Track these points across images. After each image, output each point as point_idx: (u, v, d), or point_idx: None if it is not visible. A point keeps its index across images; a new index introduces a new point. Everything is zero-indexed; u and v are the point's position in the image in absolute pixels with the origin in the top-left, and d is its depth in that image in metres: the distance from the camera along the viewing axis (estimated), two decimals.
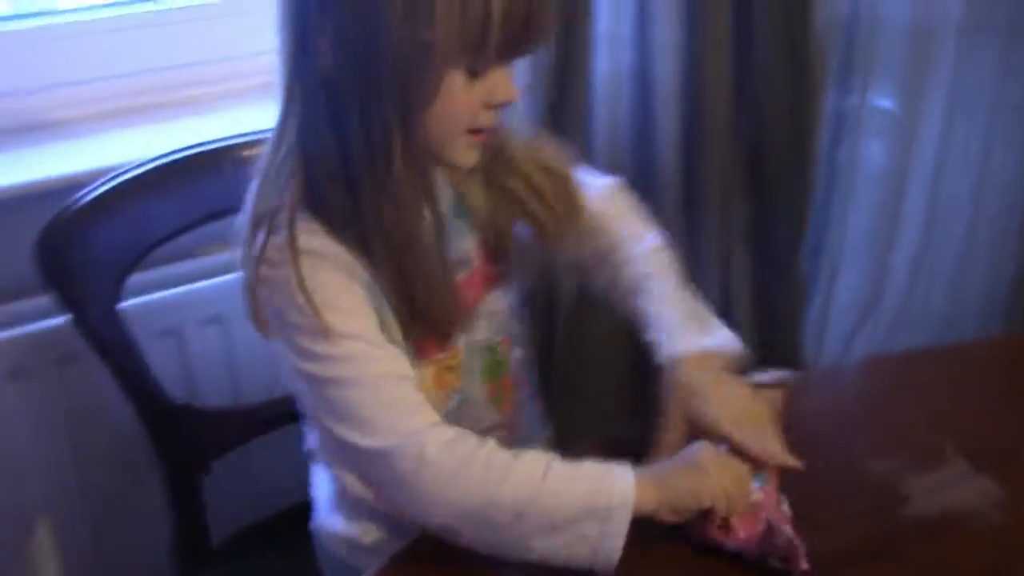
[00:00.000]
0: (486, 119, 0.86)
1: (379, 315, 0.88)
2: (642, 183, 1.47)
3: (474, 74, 0.83)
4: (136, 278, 1.19)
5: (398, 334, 0.90)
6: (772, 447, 0.90)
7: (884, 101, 1.85)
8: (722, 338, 0.98)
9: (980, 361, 1.18)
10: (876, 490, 0.96)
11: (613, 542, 0.82)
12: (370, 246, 0.86)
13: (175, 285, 1.33)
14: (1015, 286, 2.20)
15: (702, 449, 0.88)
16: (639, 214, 1.09)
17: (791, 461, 0.90)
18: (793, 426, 1.00)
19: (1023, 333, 1.24)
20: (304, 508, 1.13)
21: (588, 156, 1.47)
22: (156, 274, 1.32)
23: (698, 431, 0.91)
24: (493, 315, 1.03)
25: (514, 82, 0.86)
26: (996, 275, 2.17)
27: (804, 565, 0.84)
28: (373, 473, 0.88)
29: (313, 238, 0.85)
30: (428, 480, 0.83)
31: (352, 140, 0.83)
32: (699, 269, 1.59)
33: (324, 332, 0.84)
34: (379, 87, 0.80)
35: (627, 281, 1.03)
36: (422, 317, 0.90)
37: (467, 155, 0.89)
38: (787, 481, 0.91)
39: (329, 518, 1.09)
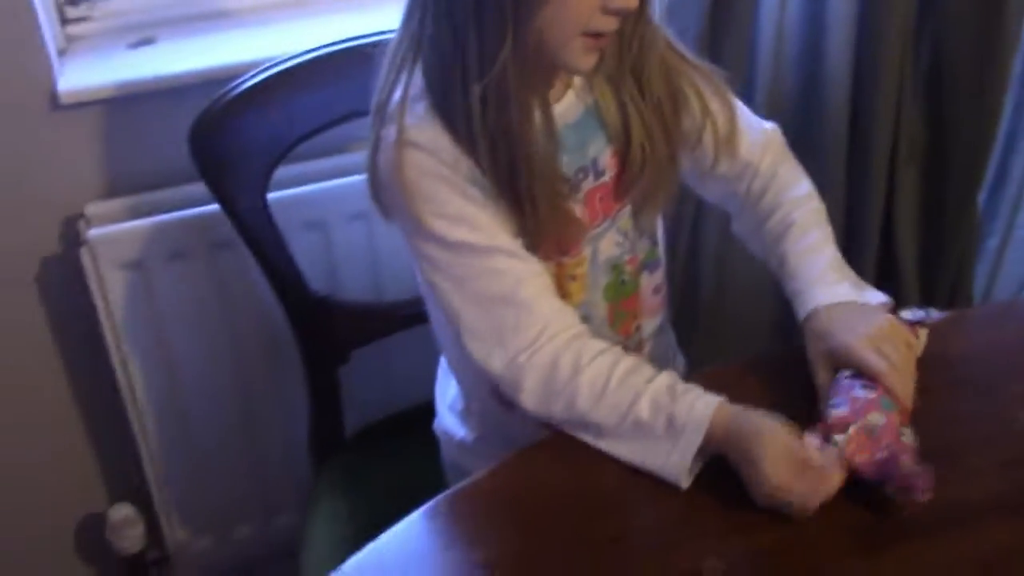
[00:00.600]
0: (603, 23, 0.83)
1: (495, 214, 0.89)
2: (806, 103, 1.43)
3: None
4: (285, 171, 1.21)
5: (514, 232, 0.90)
6: (898, 379, 0.86)
7: None
8: (868, 293, 0.96)
9: None
10: (1021, 439, 0.89)
11: (682, 456, 0.83)
12: (479, 144, 0.85)
13: (324, 180, 1.34)
14: None
15: (784, 442, 0.82)
16: (794, 163, 1.06)
17: (909, 402, 0.87)
18: (946, 365, 0.96)
19: None
20: (432, 407, 1.16)
21: (750, 70, 1.40)
22: (305, 167, 1.34)
23: (839, 363, 0.89)
24: (623, 232, 1.00)
25: None
26: None
27: (924, 496, 0.79)
28: (487, 379, 0.92)
29: (423, 131, 0.86)
30: (525, 404, 0.89)
31: (465, 35, 0.82)
32: (861, 198, 1.50)
33: (433, 237, 0.87)
34: None
35: (774, 226, 1.00)
36: (532, 223, 0.89)
37: (583, 59, 0.86)
38: (932, 423, 0.86)
39: (446, 420, 1.11)
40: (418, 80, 0.87)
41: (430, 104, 0.87)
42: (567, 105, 0.94)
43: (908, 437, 0.85)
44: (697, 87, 0.97)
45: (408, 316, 1.22)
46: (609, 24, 0.84)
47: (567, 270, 0.97)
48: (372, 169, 0.91)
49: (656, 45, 0.93)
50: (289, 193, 1.30)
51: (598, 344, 0.90)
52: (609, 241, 0.99)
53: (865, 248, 1.53)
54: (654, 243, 1.05)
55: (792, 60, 1.41)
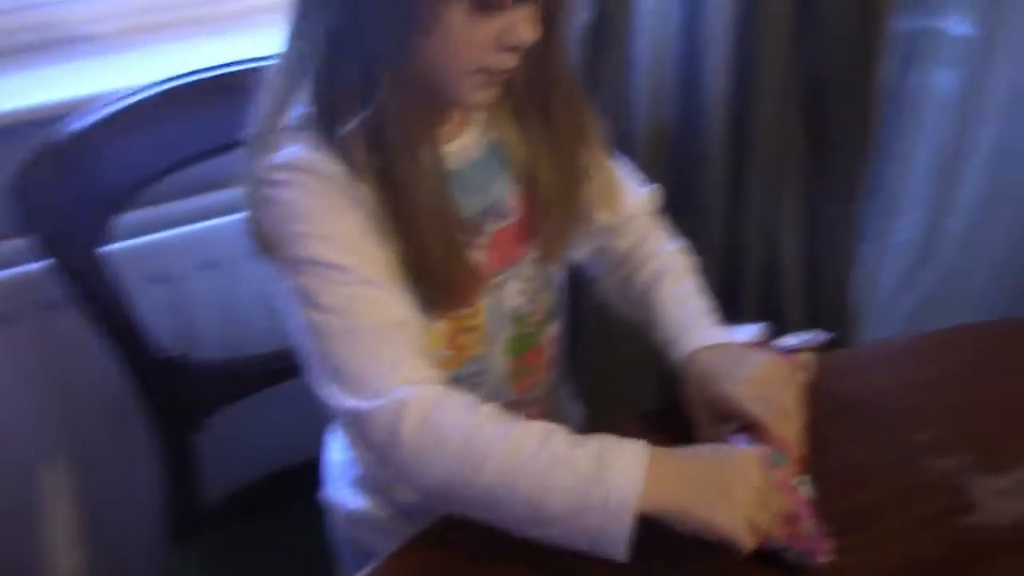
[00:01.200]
0: (500, 60, 0.77)
1: (385, 251, 0.80)
2: (688, 115, 1.40)
3: (484, 8, 0.73)
4: (126, 219, 1.09)
5: (404, 278, 0.81)
6: (785, 425, 0.83)
7: (959, 27, 1.70)
8: (741, 332, 0.92)
9: None
10: (936, 493, 0.85)
11: (615, 536, 0.71)
12: (366, 181, 0.78)
13: (169, 227, 1.23)
14: None
15: (740, 462, 0.76)
16: (666, 225, 1.02)
17: (800, 447, 0.83)
18: (844, 412, 0.93)
19: None
20: (308, 470, 1.05)
21: (629, 88, 1.36)
22: (148, 214, 1.22)
23: (723, 412, 0.85)
24: (529, 280, 0.93)
25: (533, 22, 0.76)
26: None
27: (825, 559, 0.75)
28: (352, 436, 0.80)
29: (312, 156, 0.78)
30: (401, 456, 0.75)
31: (345, 67, 0.75)
32: (745, 207, 1.48)
33: (316, 265, 0.77)
34: (372, 8, 0.73)
35: (647, 275, 0.96)
36: (425, 273, 0.81)
37: (478, 95, 0.80)
38: (834, 477, 0.82)
39: (339, 489, 1.00)
40: (305, 105, 0.79)
41: (318, 133, 0.78)
42: (467, 142, 0.87)
43: (805, 488, 0.81)
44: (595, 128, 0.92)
45: (277, 370, 1.11)
46: (507, 61, 0.77)
47: (462, 322, 0.88)
48: (251, 200, 0.81)
49: (564, 78, 0.86)
50: (131, 244, 1.18)
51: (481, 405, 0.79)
52: (513, 290, 0.92)
53: (750, 256, 1.52)
54: (556, 291, 0.97)
55: (672, 77, 1.37)
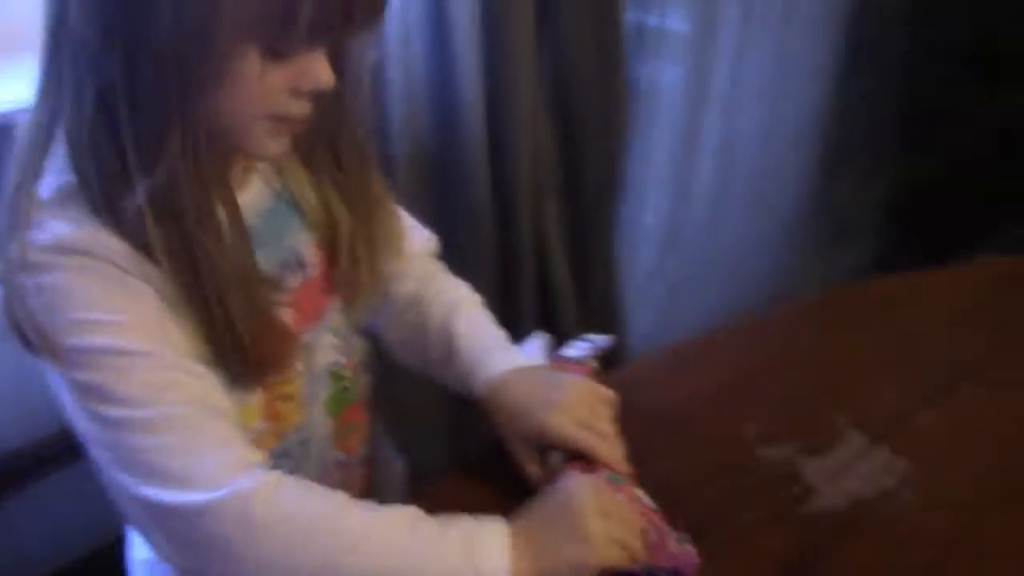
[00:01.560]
0: (294, 107, 0.69)
1: (182, 329, 0.68)
2: (442, 123, 1.35)
3: (277, 54, 0.64)
4: None
5: (207, 356, 0.70)
6: (610, 447, 0.80)
7: (681, 23, 1.76)
8: (527, 347, 0.90)
9: (838, 319, 1.09)
10: (773, 485, 0.84)
11: None
12: (154, 252, 0.66)
13: None
14: (809, 210, 2.22)
15: (577, 495, 0.72)
16: (446, 272, 0.96)
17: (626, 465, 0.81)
18: (667, 421, 0.91)
19: (873, 279, 1.15)
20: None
21: (385, 118, 1.29)
22: None
23: (543, 442, 0.81)
24: (337, 330, 0.84)
25: (326, 66, 0.68)
26: (788, 203, 2.17)
27: (694, 573, 0.72)
28: (179, 536, 0.67)
29: (83, 233, 0.65)
30: (262, 550, 0.64)
31: (119, 121, 0.63)
32: (513, 225, 1.45)
33: (107, 354, 0.65)
34: (152, 62, 0.62)
35: (438, 310, 0.90)
36: (230, 344, 0.69)
37: (269, 145, 0.70)
38: (673, 486, 0.79)
39: None
40: (70, 173, 0.66)
41: (85, 201, 0.65)
42: (254, 193, 0.76)
43: (648, 501, 0.77)
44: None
45: (37, 461, 0.94)
46: (302, 108, 0.69)
47: (277, 390, 0.78)
48: (8, 289, 0.66)
49: (352, 120, 0.79)
50: None
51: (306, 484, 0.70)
52: (325, 345, 0.83)
53: (523, 272, 1.50)
54: (364, 337, 0.90)
55: (425, 103, 1.33)
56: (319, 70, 0.67)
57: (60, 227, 0.65)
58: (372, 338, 0.94)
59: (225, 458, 0.66)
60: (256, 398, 0.76)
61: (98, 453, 0.67)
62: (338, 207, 0.79)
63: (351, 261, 0.81)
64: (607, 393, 0.84)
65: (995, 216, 2.15)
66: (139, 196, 0.63)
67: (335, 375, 0.85)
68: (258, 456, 0.68)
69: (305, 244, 0.80)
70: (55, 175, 0.66)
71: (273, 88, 0.66)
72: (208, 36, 0.61)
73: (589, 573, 0.69)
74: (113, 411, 0.64)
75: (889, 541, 0.79)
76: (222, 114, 0.65)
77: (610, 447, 0.80)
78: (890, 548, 0.78)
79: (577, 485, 0.74)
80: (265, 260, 0.75)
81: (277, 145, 0.71)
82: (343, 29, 0.66)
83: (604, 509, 0.71)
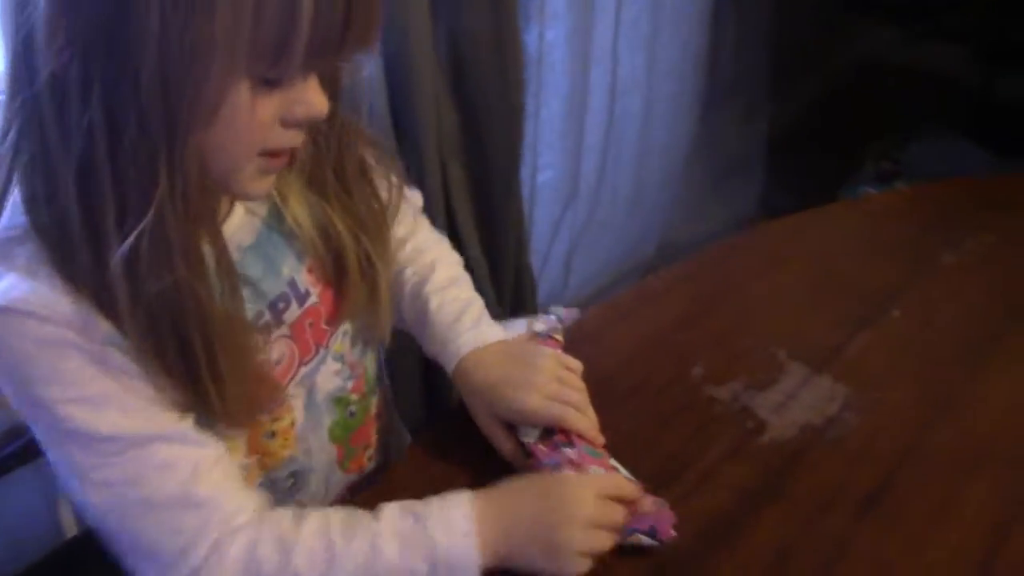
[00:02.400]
0: (286, 139, 0.64)
1: (148, 383, 0.64)
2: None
3: (268, 84, 0.60)
4: None
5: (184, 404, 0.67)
6: (585, 420, 0.81)
7: None
8: (512, 327, 0.89)
9: (761, 258, 1.14)
10: (728, 423, 0.88)
11: None
12: (125, 315, 0.61)
13: None
14: (690, 159, 2.28)
15: (569, 490, 0.73)
16: (428, 227, 0.94)
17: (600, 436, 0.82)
18: (618, 374, 0.94)
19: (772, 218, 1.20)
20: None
21: None
22: None
23: (515, 421, 0.81)
24: (340, 356, 0.82)
25: (321, 92, 0.64)
26: (673, 149, 2.23)
27: (673, 532, 0.75)
28: None
29: (30, 293, 0.60)
30: None
31: (96, 166, 0.57)
32: (424, 190, 1.43)
33: (69, 433, 0.62)
34: (136, 102, 0.56)
35: (413, 279, 0.89)
36: (212, 393, 0.66)
37: (257, 184, 0.67)
38: (638, 435, 0.83)
39: None
40: (21, 227, 0.60)
41: (41, 254, 0.60)
42: (238, 225, 0.72)
43: (625, 473, 0.80)
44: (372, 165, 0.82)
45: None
46: (293, 139, 0.65)
47: (263, 428, 0.76)
48: None
49: (351, 136, 0.76)
50: None
51: (290, 511, 0.69)
52: (327, 373, 0.80)
53: None
54: (376, 352, 0.87)
55: None
56: (312, 97, 0.63)
57: (9, 284, 0.60)
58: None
59: (210, 522, 0.65)
60: (239, 435, 0.74)
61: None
62: (344, 230, 0.76)
63: (364, 283, 0.78)
64: (575, 363, 0.85)
65: (863, 149, 2.26)
66: (116, 248, 0.58)
67: (340, 401, 0.83)
68: (246, 503, 0.67)
69: (301, 272, 0.77)
70: (7, 215, 0.61)
71: (264, 120, 0.62)
72: (200, 70, 0.56)
73: (571, 570, 0.70)
74: (94, 496, 0.63)
75: (839, 462, 0.84)
76: (211, 152, 0.60)
77: (583, 418, 0.80)
78: (841, 469, 0.83)
79: (573, 492, 0.73)
80: (258, 295, 0.72)
81: (264, 184, 0.67)
82: (338, 53, 0.62)
83: (594, 519, 0.71)
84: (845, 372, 0.93)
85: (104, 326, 0.61)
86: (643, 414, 0.89)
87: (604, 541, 0.71)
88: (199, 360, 0.64)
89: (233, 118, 0.59)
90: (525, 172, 1.82)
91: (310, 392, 0.79)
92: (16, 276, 0.60)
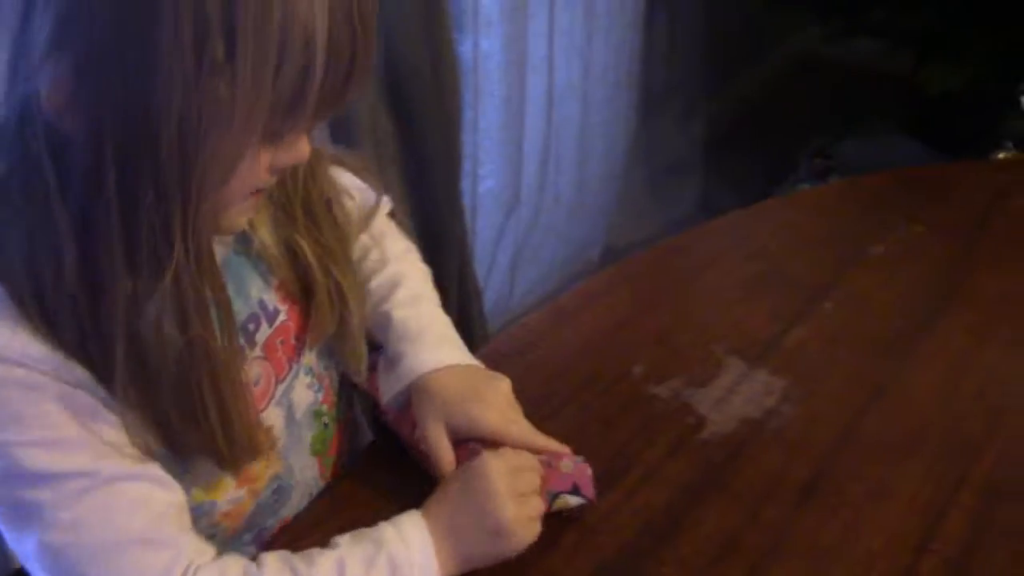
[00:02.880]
0: (268, 180, 0.65)
1: (118, 422, 0.63)
2: None
3: (275, 137, 0.60)
4: None
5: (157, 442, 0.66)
6: (542, 440, 0.80)
7: None
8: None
9: (696, 256, 1.16)
10: (669, 420, 0.89)
11: None
12: (111, 361, 0.60)
13: None
14: (630, 162, 2.30)
15: (487, 483, 0.73)
16: (396, 234, 0.93)
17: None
18: (563, 374, 0.94)
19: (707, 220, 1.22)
20: None
21: None
22: None
23: (470, 435, 0.79)
24: (310, 369, 0.81)
25: (307, 139, 0.65)
26: (612, 153, 2.25)
27: (593, 490, 0.77)
28: None
29: (16, 342, 0.59)
30: None
31: (105, 236, 0.57)
32: None
33: (31, 476, 0.61)
34: (153, 172, 0.55)
35: (377, 289, 0.88)
36: (217, 442, 0.66)
37: (240, 220, 0.67)
38: (583, 433, 0.84)
39: None
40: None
41: (8, 299, 0.59)
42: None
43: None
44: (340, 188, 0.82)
45: None
46: (272, 180, 0.65)
47: None
48: None
49: (322, 170, 0.77)
50: None
51: (241, 556, 0.69)
52: (301, 388, 0.80)
53: None
54: (336, 362, 0.86)
55: None
56: (302, 146, 0.64)
57: None
58: None
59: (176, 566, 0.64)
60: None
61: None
62: (313, 261, 0.76)
63: (333, 314, 0.78)
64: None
65: (798, 146, 2.29)
66: (118, 305, 0.58)
67: (316, 414, 0.82)
68: (206, 548, 0.67)
69: (271, 292, 0.76)
70: None
71: (261, 169, 0.62)
72: (219, 134, 0.55)
73: (510, 553, 0.72)
74: (48, 537, 0.62)
75: (778, 454, 0.85)
76: (214, 206, 0.60)
77: (541, 437, 0.80)
78: (780, 459, 0.85)
79: (485, 470, 0.74)
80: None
81: (243, 220, 0.68)
82: (342, 102, 0.61)
83: (515, 489, 0.72)
84: (781, 365, 0.95)
85: (81, 371, 0.60)
86: (587, 413, 0.90)
87: (537, 505, 0.73)
88: (207, 406, 0.64)
89: (242, 174, 0.60)
90: (466, 182, 1.83)
91: (288, 409, 0.79)
92: None
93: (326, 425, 0.84)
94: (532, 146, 2.01)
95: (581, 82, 2.08)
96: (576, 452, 0.81)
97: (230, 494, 0.74)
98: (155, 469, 0.65)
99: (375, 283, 0.88)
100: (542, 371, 0.88)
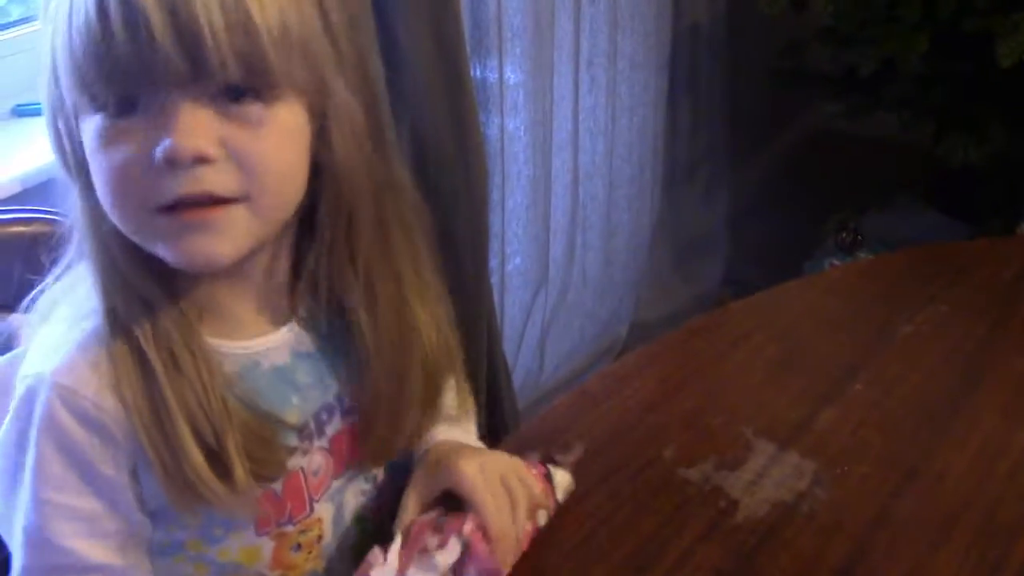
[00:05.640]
0: (175, 186, 0.60)
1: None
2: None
3: (111, 116, 0.61)
4: None
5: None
6: (509, 528, 0.75)
7: (518, 74, 1.83)
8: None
9: (724, 337, 1.16)
10: (702, 505, 0.89)
11: None
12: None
13: None
14: (655, 238, 2.33)
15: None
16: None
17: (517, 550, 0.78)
18: (593, 456, 0.93)
19: (729, 300, 1.23)
20: None
21: None
22: None
23: (449, 487, 0.76)
24: (372, 478, 0.82)
25: (183, 119, 0.60)
26: (638, 230, 2.27)
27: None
28: None
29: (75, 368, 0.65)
30: None
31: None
32: None
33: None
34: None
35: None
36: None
37: (185, 247, 0.62)
38: (615, 521, 0.84)
39: None
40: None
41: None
42: (289, 336, 0.75)
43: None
44: None
45: None
46: (184, 184, 0.64)
47: (290, 540, 0.75)
48: None
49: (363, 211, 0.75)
50: None
51: None
52: (355, 491, 0.80)
53: None
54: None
55: None
56: (164, 129, 0.59)
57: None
58: None
59: None
60: (266, 544, 0.73)
61: None
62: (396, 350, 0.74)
63: (395, 405, 0.76)
64: (542, 496, 0.81)
65: (824, 220, 2.31)
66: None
67: (359, 520, 0.81)
68: None
69: (351, 388, 0.76)
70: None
71: (122, 166, 0.60)
72: (56, 111, 0.62)
73: None
74: None
75: (810, 537, 0.85)
76: (115, 218, 0.62)
77: (503, 519, 0.74)
78: (812, 543, 0.84)
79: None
80: (306, 401, 0.73)
81: (198, 246, 0.62)
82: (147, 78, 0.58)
83: None
84: (812, 447, 0.95)
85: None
86: (619, 498, 0.89)
87: None
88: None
89: (96, 163, 0.61)
90: (494, 261, 1.85)
91: (339, 508, 0.78)
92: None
93: (366, 531, 0.82)
94: (558, 224, 2.03)
95: (605, 161, 2.11)
96: (609, 537, 0.80)
97: (259, 568, 0.73)
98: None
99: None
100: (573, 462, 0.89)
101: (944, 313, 1.16)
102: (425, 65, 1.44)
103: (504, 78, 1.78)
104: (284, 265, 0.71)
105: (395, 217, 0.73)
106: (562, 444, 0.91)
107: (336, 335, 0.74)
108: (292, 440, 0.71)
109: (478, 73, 1.72)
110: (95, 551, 0.65)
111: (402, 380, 0.74)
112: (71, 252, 0.67)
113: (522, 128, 1.87)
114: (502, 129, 1.81)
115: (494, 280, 1.81)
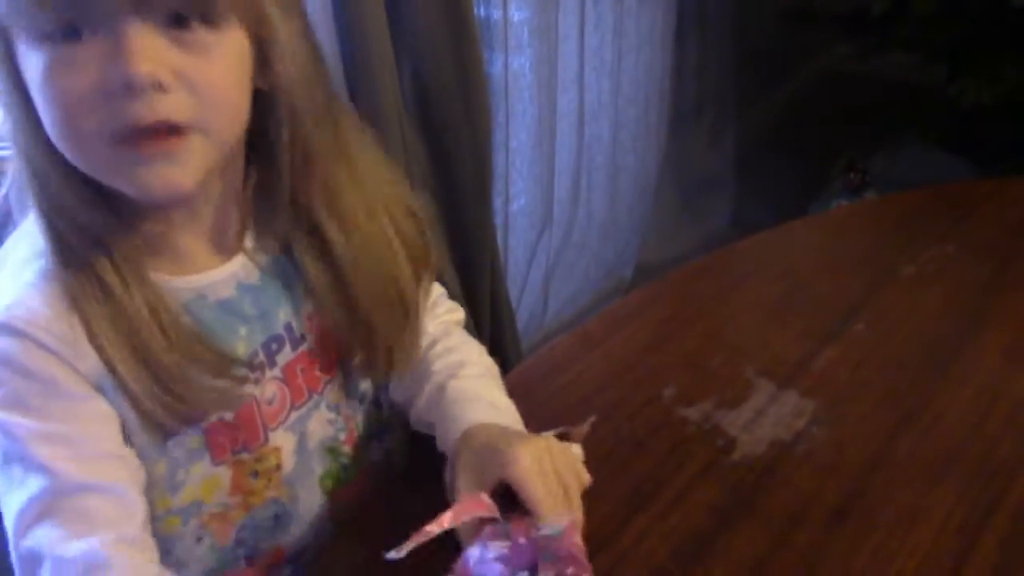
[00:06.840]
0: (131, 111, 0.59)
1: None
2: None
3: (53, 40, 0.59)
4: None
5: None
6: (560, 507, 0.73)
7: (523, 11, 1.80)
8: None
9: (725, 278, 1.16)
10: (699, 443, 0.89)
11: None
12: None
13: None
14: (661, 179, 2.31)
15: None
16: (465, 335, 0.91)
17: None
18: (593, 395, 0.94)
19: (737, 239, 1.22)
20: None
21: None
22: None
23: (499, 485, 0.73)
24: (335, 406, 0.82)
25: (134, 43, 0.58)
26: (643, 170, 2.25)
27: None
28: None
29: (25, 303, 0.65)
30: None
31: None
32: None
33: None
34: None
35: (437, 377, 0.84)
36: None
37: (139, 177, 0.61)
38: (613, 456, 0.85)
39: None
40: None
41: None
42: (236, 268, 0.75)
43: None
44: None
45: None
46: (142, 110, 0.63)
47: (247, 467, 0.76)
48: None
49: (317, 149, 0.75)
50: None
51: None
52: (320, 420, 0.80)
53: None
54: (379, 407, 0.87)
55: None
56: (117, 55, 0.58)
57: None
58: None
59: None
60: (223, 472, 0.74)
61: None
62: (348, 287, 0.75)
63: (361, 328, 0.77)
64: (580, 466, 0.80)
65: (831, 160, 2.29)
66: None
67: (332, 451, 0.82)
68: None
69: (301, 319, 0.77)
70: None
71: (80, 92, 0.59)
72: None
73: None
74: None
75: (808, 476, 0.85)
76: (67, 152, 0.62)
77: (558, 504, 0.72)
78: (810, 482, 0.84)
79: None
80: (253, 332, 0.74)
81: (159, 177, 0.61)
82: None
83: None
84: (811, 387, 0.95)
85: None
86: (617, 437, 0.90)
87: None
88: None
89: (46, 100, 0.60)
90: (498, 201, 1.84)
91: (301, 438, 0.79)
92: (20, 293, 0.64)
93: (345, 466, 0.84)
94: (563, 164, 2.01)
95: (611, 101, 2.09)
96: (608, 475, 0.81)
97: (219, 497, 0.74)
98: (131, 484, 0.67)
99: (439, 365, 0.84)
100: (571, 395, 0.89)
101: (949, 253, 1.15)
102: (426, 2, 1.42)
103: (508, 15, 1.76)
104: (232, 197, 0.72)
105: (350, 132, 0.74)
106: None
107: (283, 265, 0.75)
108: (240, 371, 0.72)
109: (481, 11, 1.69)
110: (81, 470, 0.64)
111: (377, 294, 0.76)
112: (13, 197, 0.68)
113: (527, 66, 1.85)
114: (506, 67, 1.79)
115: (498, 220, 1.80)
